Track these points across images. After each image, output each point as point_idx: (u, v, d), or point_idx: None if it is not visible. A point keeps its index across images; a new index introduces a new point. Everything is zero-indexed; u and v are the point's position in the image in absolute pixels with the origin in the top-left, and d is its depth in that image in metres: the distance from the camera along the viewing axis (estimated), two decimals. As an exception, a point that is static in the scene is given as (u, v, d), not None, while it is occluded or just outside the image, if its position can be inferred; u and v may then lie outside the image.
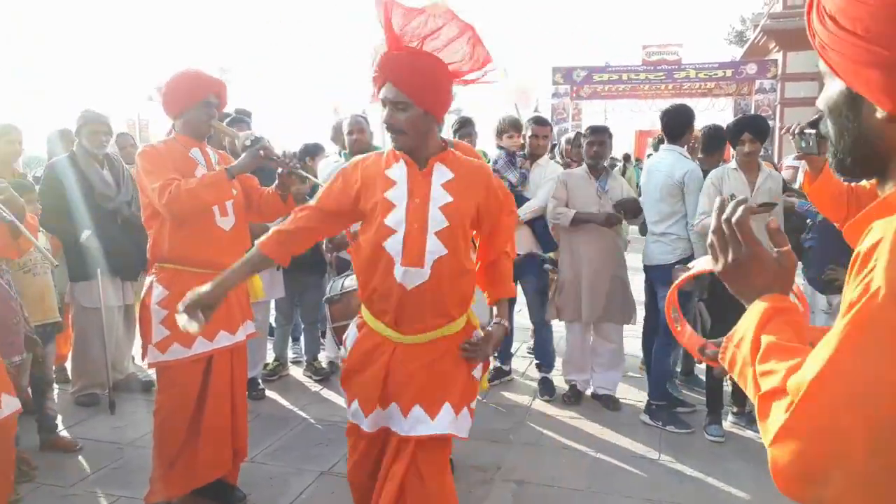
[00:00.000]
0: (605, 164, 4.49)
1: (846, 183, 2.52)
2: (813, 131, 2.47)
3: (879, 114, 0.87)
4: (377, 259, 2.14)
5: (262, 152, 2.93)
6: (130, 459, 3.56)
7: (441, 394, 2.18)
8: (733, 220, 1.05)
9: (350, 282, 3.41)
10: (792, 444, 0.81)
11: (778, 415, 0.83)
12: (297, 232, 2.26)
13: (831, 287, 3.67)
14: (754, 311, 1.01)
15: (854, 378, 0.77)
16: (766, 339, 0.95)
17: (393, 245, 2.11)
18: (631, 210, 4.32)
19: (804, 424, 0.80)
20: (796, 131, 2.44)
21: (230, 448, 3.07)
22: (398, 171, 2.16)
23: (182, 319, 2.14)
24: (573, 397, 4.50)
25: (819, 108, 0.98)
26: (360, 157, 2.30)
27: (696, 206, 3.96)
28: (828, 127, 0.97)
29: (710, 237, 1.10)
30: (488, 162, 4.74)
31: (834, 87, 0.94)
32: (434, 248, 2.10)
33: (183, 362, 2.93)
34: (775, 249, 1.07)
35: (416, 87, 2.05)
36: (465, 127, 4.85)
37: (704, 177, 4.03)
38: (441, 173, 2.17)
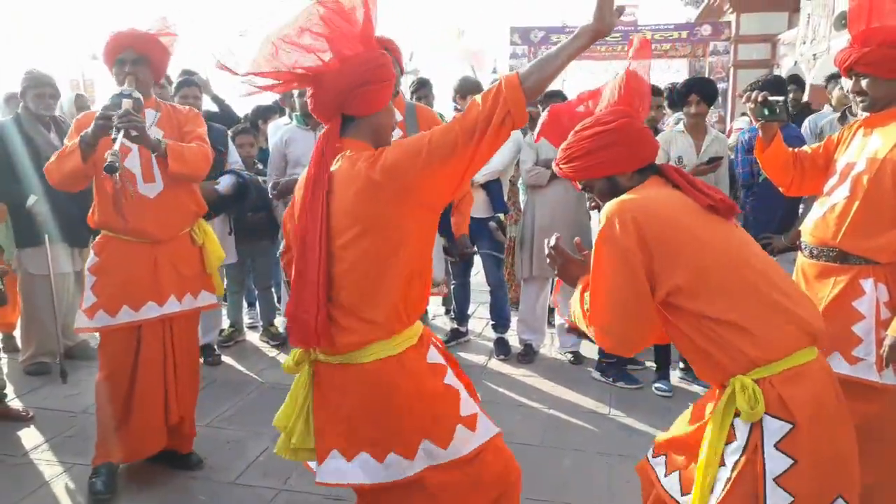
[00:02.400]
0: None
1: (791, 150, 2.60)
2: (780, 98, 2.47)
3: None
4: None
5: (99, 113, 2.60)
6: (84, 427, 3.52)
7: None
8: (554, 246, 1.98)
9: None
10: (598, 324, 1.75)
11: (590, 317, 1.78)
12: None
13: (766, 251, 3.81)
14: (577, 289, 1.91)
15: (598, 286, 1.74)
16: (585, 297, 1.84)
17: None
18: None
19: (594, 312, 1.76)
20: (759, 99, 2.44)
21: (162, 422, 2.99)
22: None
23: None
24: (527, 355, 4.60)
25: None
26: None
27: None
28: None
29: (546, 250, 2.02)
30: None
31: None
32: None
33: (108, 330, 2.88)
34: (581, 255, 2.01)
35: None
36: (423, 88, 4.81)
37: None
38: None
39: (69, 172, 2.72)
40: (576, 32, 1.66)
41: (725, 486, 1.56)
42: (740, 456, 1.56)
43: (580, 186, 1.93)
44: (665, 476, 1.80)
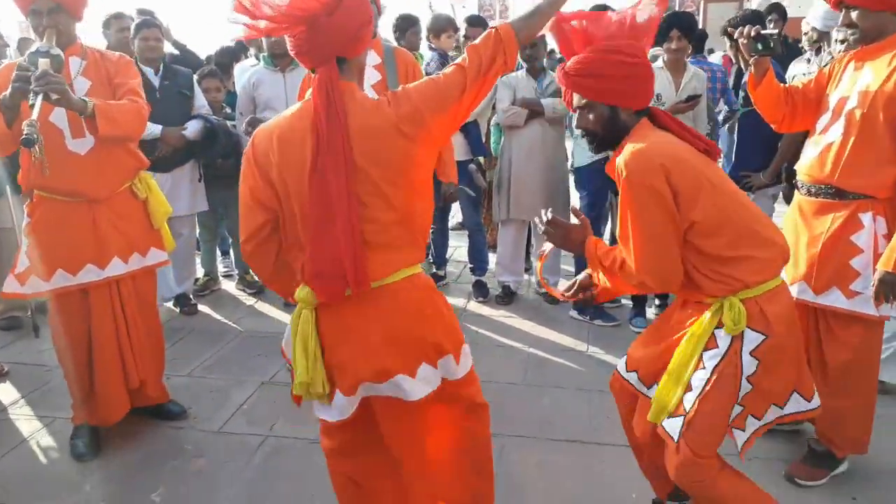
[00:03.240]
0: (543, 64, 4.44)
1: (782, 85, 2.58)
2: (774, 31, 2.40)
3: None
4: None
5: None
6: (61, 381, 3.39)
7: None
8: (549, 220, 2.12)
9: None
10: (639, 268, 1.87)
11: (627, 264, 1.90)
12: None
13: (747, 189, 3.84)
14: (588, 252, 2.05)
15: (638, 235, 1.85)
16: (600, 256, 2.01)
17: None
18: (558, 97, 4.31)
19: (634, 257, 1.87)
20: (752, 34, 2.38)
21: (122, 387, 2.90)
22: None
23: None
24: (506, 297, 4.63)
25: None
26: None
27: None
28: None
29: (541, 228, 2.14)
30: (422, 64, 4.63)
31: None
32: None
33: (55, 296, 2.73)
34: (578, 220, 2.14)
35: None
36: (414, 27, 4.65)
37: None
38: None
39: None
40: None
41: (705, 385, 1.87)
42: (720, 361, 1.86)
43: (575, 106, 1.97)
44: (639, 383, 2.12)
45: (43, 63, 2.34)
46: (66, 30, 2.63)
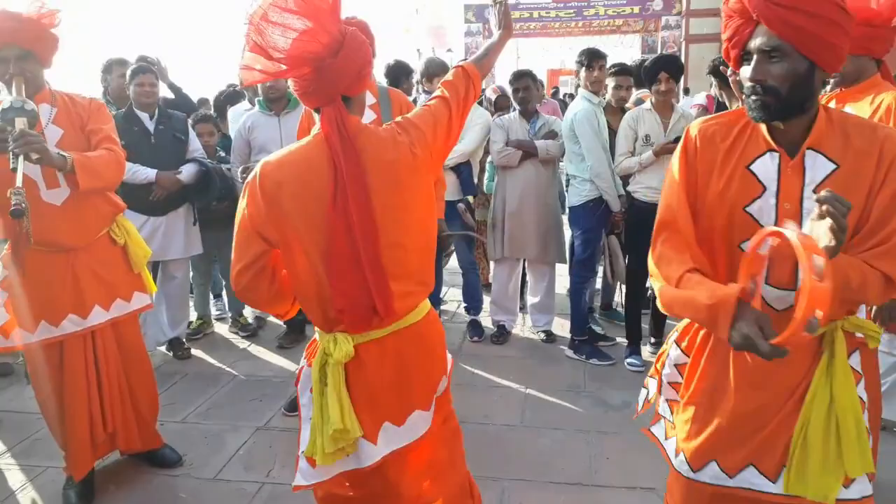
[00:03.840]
0: (535, 107, 4.53)
1: None
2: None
3: None
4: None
5: None
6: None
7: None
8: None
9: None
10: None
11: None
12: None
13: None
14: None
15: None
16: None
17: None
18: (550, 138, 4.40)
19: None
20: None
21: (88, 436, 2.81)
22: None
23: None
24: (501, 336, 4.63)
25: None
26: None
27: (588, 147, 4.07)
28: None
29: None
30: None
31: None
32: None
33: (28, 348, 2.70)
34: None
35: None
36: (408, 76, 4.75)
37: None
38: None
39: None
40: (496, 38, 2.12)
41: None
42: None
43: (758, 47, 1.48)
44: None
45: (19, 122, 2.30)
46: (34, 77, 2.57)
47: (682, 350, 1.77)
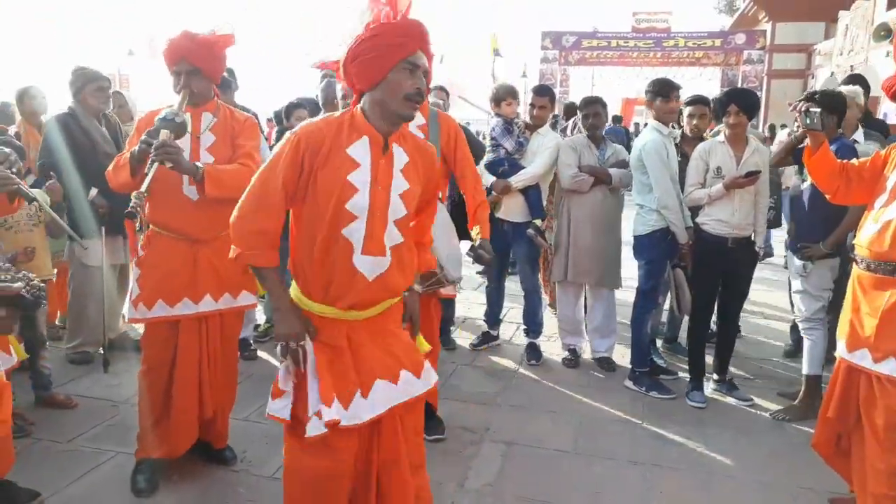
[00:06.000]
0: (603, 133, 4.56)
1: (840, 161, 2.78)
2: (818, 110, 2.70)
3: None
4: (332, 245, 2.02)
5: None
6: (126, 417, 3.61)
7: (395, 364, 2.13)
8: None
9: None
10: None
11: None
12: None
13: (805, 259, 3.80)
14: None
15: None
16: None
17: (354, 232, 2.01)
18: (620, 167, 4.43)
19: None
20: (802, 109, 2.67)
21: (195, 417, 3.04)
22: (362, 152, 2.02)
23: None
24: (572, 360, 4.64)
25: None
26: (307, 122, 2.10)
27: (656, 178, 4.03)
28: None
29: None
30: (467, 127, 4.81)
31: None
32: (393, 236, 2.07)
33: (149, 323, 2.98)
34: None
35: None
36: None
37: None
38: (399, 157, 2.09)
39: (123, 184, 2.86)
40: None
41: None
42: None
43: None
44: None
45: (164, 134, 2.65)
46: (200, 90, 2.93)
47: None
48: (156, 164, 2.63)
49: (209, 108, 3.00)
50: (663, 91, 4.20)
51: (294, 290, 2.13)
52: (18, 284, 1.52)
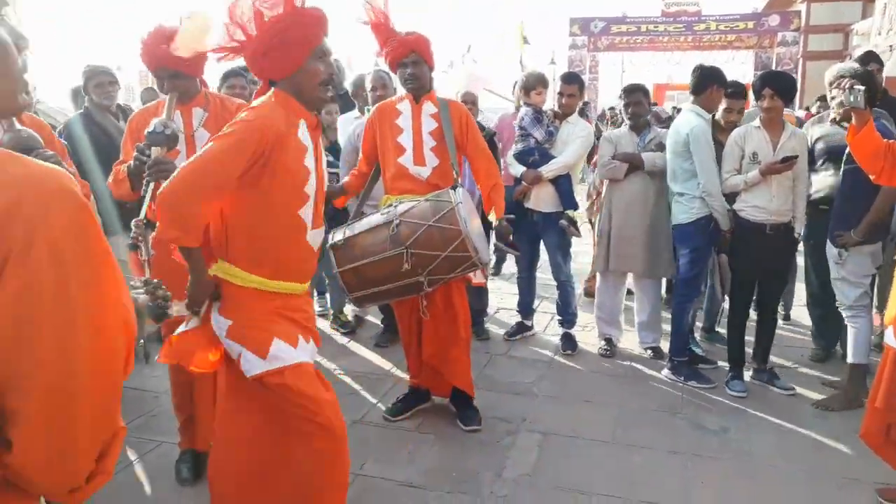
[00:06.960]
0: (647, 119, 4.51)
1: (885, 140, 2.68)
2: (862, 88, 2.64)
3: None
4: (289, 226, 2.23)
5: None
6: (168, 407, 3.63)
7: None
8: None
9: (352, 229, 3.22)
10: None
11: None
12: None
13: (840, 247, 3.70)
14: None
15: None
16: None
17: (307, 210, 2.24)
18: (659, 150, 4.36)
19: None
20: (847, 86, 2.65)
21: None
22: (305, 135, 2.22)
23: None
24: (609, 350, 4.60)
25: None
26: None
27: (702, 164, 3.95)
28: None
29: None
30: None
31: None
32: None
33: (164, 323, 2.89)
34: None
35: None
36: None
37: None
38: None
39: (125, 195, 2.81)
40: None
41: None
42: None
43: None
44: None
45: (156, 151, 2.51)
46: (187, 88, 2.83)
47: None
48: (151, 185, 2.49)
49: (198, 102, 2.89)
50: (722, 80, 4.19)
51: (223, 266, 2.25)
52: (143, 297, 1.58)
